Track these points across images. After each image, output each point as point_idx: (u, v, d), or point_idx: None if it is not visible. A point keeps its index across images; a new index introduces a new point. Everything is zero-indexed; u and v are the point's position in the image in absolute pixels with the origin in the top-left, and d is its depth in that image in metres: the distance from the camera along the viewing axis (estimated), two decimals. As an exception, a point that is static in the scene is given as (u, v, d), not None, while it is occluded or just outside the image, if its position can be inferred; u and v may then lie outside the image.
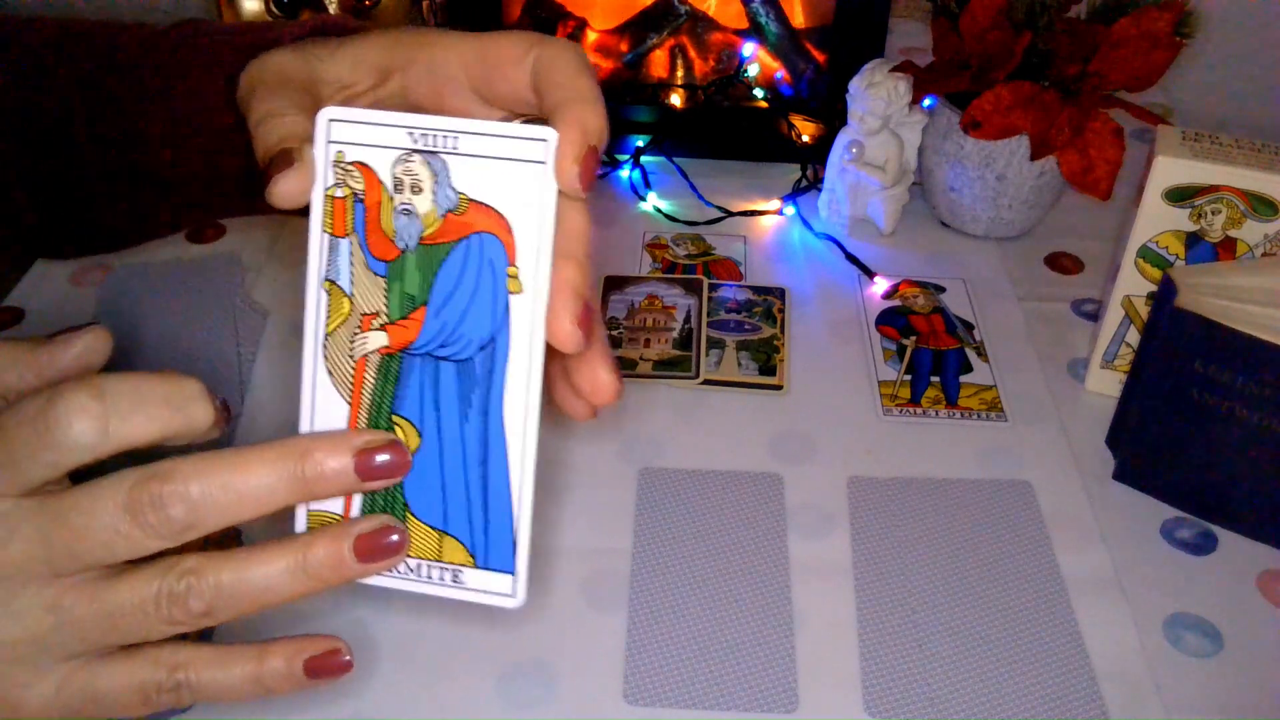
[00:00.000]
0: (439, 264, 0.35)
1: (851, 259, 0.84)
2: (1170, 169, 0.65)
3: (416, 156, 0.34)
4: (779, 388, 0.73)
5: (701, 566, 0.61)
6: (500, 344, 0.34)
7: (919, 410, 0.72)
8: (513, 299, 0.34)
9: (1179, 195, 0.65)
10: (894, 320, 0.79)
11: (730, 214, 0.89)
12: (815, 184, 0.90)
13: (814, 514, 0.65)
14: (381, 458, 0.34)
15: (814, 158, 0.91)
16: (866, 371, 0.75)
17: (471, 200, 0.34)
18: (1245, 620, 0.59)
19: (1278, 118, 1.20)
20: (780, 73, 0.93)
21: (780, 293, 0.81)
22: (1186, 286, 0.60)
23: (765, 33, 0.92)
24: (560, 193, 0.34)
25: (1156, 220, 0.67)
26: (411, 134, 0.34)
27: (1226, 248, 0.66)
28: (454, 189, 0.34)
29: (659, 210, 0.89)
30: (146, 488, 0.32)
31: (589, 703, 0.55)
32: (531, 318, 0.34)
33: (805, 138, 0.93)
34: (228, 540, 0.56)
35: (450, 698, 0.55)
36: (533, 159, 0.34)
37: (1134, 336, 0.70)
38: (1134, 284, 0.69)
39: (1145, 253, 0.68)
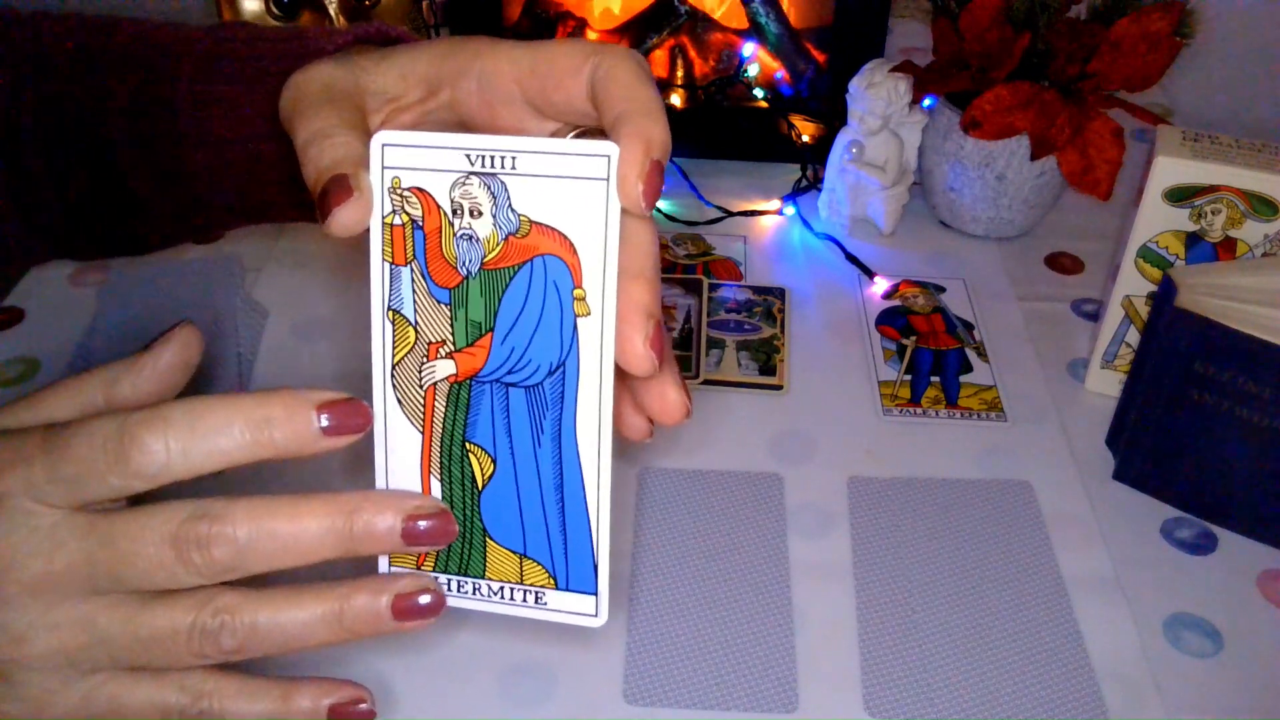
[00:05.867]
0: (503, 289, 0.34)
1: (851, 259, 0.84)
2: (1170, 169, 0.65)
3: (474, 179, 0.33)
4: (779, 388, 0.73)
5: (701, 566, 0.61)
6: (570, 368, 0.34)
7: (919, 410, 0.72)
8: (580, 321, 0.33)
9: (1179, 195, 0.65)
10: (894, 320, 0.79)
11: (730, 214, 0.89)
12: (815, 184, 0.90)
13: (814, 514, 0.65)
14: (427, 524, 0.34)
15: (814, 158, 0.91)
16: (866, 371, 0.75)
17: (533, 222, 0.33)
18: (1245, 620, 0.59)
19: (1278, 118, 1.20)
20: (780, 73, 0.93)
21: (780, 293, 0.81)
22: (1186, 286, 0.60)
23: (765, 33, 0.92)
24: (624, 210, 0.33)
25: (1156, 220, 0.67)
26: (468, 156, 0.33)
27: (1226, 248, 0.66)
28: (514, 211, 0.33)
29: (659, 210, 0.89)
30: (195, 526, 0.32)
31: (589, 703, 0.55)
32: (600, 340, 0.33)
33: (805, 138, 0.93)
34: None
35: (451, 697, 0.55)
36: (594, 176, 0.32)
37: (1134, 336, 0.70)
38: (1134, 284, 0.69)
39: (1145, 253, 0.68)
